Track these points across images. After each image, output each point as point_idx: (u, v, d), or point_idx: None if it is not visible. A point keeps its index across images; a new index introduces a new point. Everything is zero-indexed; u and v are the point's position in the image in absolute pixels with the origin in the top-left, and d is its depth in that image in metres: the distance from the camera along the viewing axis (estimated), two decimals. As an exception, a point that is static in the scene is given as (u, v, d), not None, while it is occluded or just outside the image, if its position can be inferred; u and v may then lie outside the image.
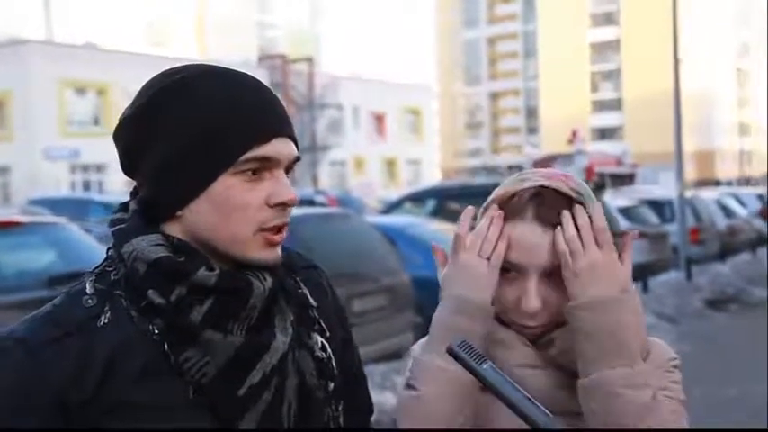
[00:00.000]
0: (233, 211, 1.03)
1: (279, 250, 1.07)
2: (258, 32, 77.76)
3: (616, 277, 1.17)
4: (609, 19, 75.04)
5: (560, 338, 1.19)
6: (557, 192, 1.20)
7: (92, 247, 5.38)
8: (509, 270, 1.20)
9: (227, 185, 1.02)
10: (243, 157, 1.02)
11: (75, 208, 12.09)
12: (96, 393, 0.98)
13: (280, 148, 1.05)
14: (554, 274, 1.18)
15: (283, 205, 1.05)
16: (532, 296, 1.18)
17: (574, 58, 74.38)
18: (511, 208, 1.21)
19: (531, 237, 1.19)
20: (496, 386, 1.09)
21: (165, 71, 1.08)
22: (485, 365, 1.10)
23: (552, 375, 1.20)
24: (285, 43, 69.72)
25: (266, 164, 1.04)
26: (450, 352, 1.14)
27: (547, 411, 1.06)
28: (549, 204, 1.19)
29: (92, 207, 13.25)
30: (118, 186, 26.62)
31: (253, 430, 1.03)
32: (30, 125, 31.64)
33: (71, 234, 5.70)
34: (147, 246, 1.03)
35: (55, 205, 11.95)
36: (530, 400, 1.05)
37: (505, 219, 1.21)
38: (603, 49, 75.51)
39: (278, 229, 1.06)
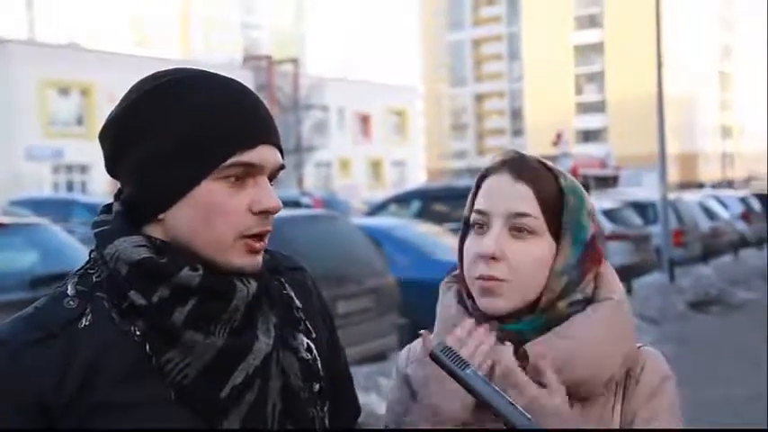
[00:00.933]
0: (214, 216, 1.02)
1: (260, 257, 1.07)
2: (243, 33, 77.59)
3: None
4: (593, 21, 75.48)
5: (532, 352, 1.16)
6: (537, 160, 1.22)
7: (75, 249, 5.34)
8: (481, 225, 1.20)
9: (210, 190, 1.02)
10: (226, 163, 1.02)
11: (58, 209, 11.99)
12: (78, 395, 0.98)
13: (265, 155, 1.04)
14: (521, 230, 1.17)
15: (266, 213, 1.05)
16: (490, 238, 1.17)
17: (558, 60, 74.75)
18: (489, 168, 1.22)
19: (499, 184, 1.20)
20: (479, 390, 1.10)
21: (154, 74, 1.08)
22: (467, 370, 1.10)
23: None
24: (269, 44, 69.60)
25: (250, 170, 1.04)
26: (433, 356, 1.14)
27: (528, 415, 1.07)
28: (525, 163, 1.21)
29: (75, 208, 13.16)
30: (102, 187, 26.43)
31: (235, 430, 1.03)
32: (12, 125, 31.38)
33: (54, 235, 5.66)
34: (129, 247, 1.02)
35: (37, 206, 11.87)
36: (512, 404, 1.06)
37: (483, 179, 1.22)
38: (587, 52, 75.95)
39: (259, 237, 1.05)
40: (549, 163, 1.23)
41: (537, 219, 1.18)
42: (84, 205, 13.30)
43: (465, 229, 1.25)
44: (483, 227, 1.20)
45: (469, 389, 1.11)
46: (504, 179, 1.19)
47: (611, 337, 1.18)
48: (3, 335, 1.01)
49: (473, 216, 1.21)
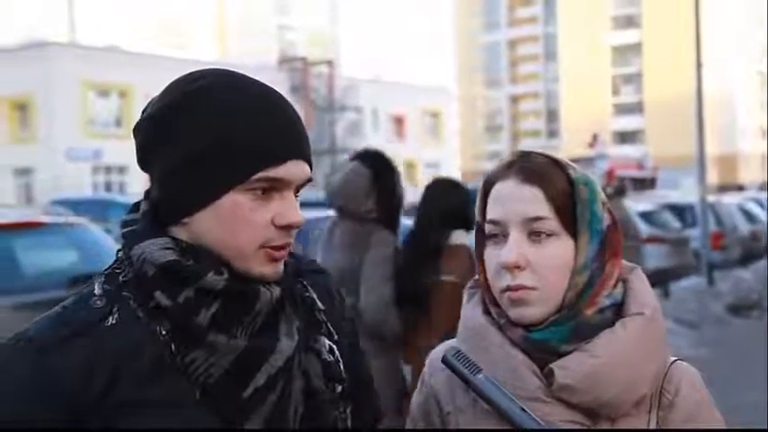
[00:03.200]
0: (237, 227, 1.03)
1: (280, 265, 1.07)
2: (278, 35, 78.12)
3: None
4: (630, 22, 74.61)
5: (559, 371, 1.12)
6: (543, 155, 1.19)
7: (112, 248, 5.41)
8: (497, 235, 1.17)
9: (234, 202, 1.02)
10: (253, 177, 1.02)
11: (96, 209, 12.19)
12: (105, 393, 0.99)
13: (293, 170, 1.04)
14: (539, 234, 1.15)
15: (289, 227, 1.05)
16: (510, 248, 1.14)
17: (595, 61, 74.01)
18: (496, 172, 1.20)
19: (509, 190, 1.17)
20: (490, 396, 1.09)
21: (189, 75, 1.08)
22: (479, 375, 1.09)
23: (559, 411, 1.13)
24: (305, 46, 69.97)
25: (277, 184, 1.04)
26: (445, 362, 1.13)
27: (540, 421, 1.06)
28: (532, 161, 1.18)
29: (113, 208, 13.35)
30: (139, 188, 26.79)
31: (257, 430, 1.03)
32: (52, 126, 31.95)
33: (92, 235, 5.75)
34: (155, 249, 1.03)
35: (77, 206, 12.05)
36: (523, 410, 1.05)
37: (492, 184, 1.19)
38: (625, 52, 75.08)
39: (281, 247, 1.06)
40: (557, 156, 1.20)
41: (552, 219, 1.15)
42: (121, 205, 13.48)
43: (479, 235, 1.22)
44: (499, 236, 1.17)
45: (481, 395, 1.10)
46: (512, 184, 1.17)
47: (642, 357, 1.14)
48: (30, 333, 1.02)
49: (488, 226, 1.19)
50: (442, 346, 1.29)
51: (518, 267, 1.13)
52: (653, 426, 1.15)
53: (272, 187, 1.03)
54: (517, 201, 1.15)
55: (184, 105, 1.04)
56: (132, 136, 1.10)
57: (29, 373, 0.99)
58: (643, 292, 1.19)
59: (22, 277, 5.09)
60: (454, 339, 1.26)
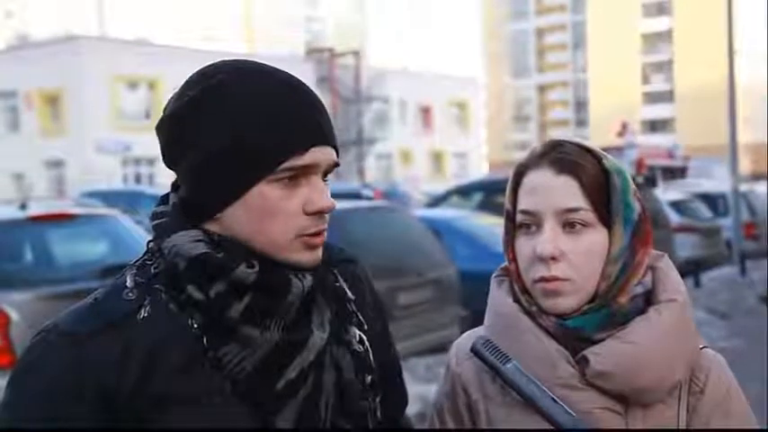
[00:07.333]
0: (269, 218, 1.02)
1: (319, 252, 1.07)
2: (305, 26, 78.20)
3: None
4: (661, 9, 73.54)
5: (595, 358, 1.11)
6: (576, 145, 1.18)
7: (143, 239, 5.47)
8: (530, 225, 1.17)
9: (263, 192, 1.02)
10: (278, 168, 1.02)
11: (126, 200, 12.35)
12: (138, 386, 0.99)
13: (318, 156, 1.04)
14: (574, 225, 1.14)
15: (320, 212, 1.05)
16: (545, 239, 1.13)
17: (624, 49, 73.08)
18: (528, 162, 1.19)
19: (543, 180, 1.15)
20: (519, 386, 1.08)
21: (206, 70, 1.07)
22: (509, 365, 1.09)
23: (593, 398, 1.12)
24: (332, 36, 69.92)
25: (303, 171, 1.03)
26: (474, 351, 1.12)
27: (571, 411, 1.05)
28: (565, 151, 1.16)
29: (143, 199, 13.50)
30: (168, 179, 26.98)
31: (290, 430, 1.03)
32: (83, 119, 32.32)
33: (123, 226, 5.81)
34: (187, 241, 1.03)
35: (107, 197, 12.23)
36: (553, 400, 1.03)
37: (523, 174, 1.19)
38: (655, 40, 74.05)
39: (317, 234, 1.05)
40: (589, 144, 1.19)
41: (586, 210, 1.14)
42: (151, 197, 13.62)
43: (509, 224, 1.22)
44: (532, 227, 1.16)
45: (511, 384, 1.09)
46: (546, 174, 1.15)
47: (677, 343, 1.13)
48: (65, 326, 1.02)
49: (520, 216, 1.18)
50: (467, 334, 1.29)
51: (554, 259, 1.13)
52: (683, 413, 1.15)
53: (299, 174, 1.03)
54: (552, 191, 1.14)
55: (204, 102, 1.03)
56: (156, 133, 1.09)
57: (63, 366, 0.99)
58: (673, 279, 1.19)
59: (56, 268, 5.17)
60: (480, 327, 1.25)
